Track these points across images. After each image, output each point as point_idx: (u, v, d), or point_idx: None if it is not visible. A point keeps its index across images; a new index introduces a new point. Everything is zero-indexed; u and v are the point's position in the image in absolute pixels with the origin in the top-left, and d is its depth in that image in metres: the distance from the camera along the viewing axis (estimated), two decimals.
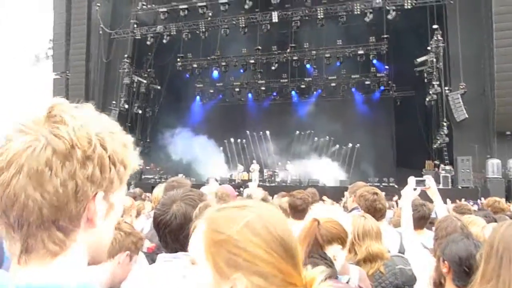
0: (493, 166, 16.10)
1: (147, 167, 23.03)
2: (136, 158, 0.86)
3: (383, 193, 3.78)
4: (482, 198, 11.36)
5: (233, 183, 19.77)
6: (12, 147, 0.74)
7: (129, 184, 17.04)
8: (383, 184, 18.63)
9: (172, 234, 1.77)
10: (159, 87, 26.05)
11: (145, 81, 24.87)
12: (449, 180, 17.25)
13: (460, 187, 16.47)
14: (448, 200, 10.71)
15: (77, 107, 0.81)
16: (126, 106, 23.43)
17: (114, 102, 22.97)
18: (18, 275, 0.75)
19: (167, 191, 3.53)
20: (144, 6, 22.83)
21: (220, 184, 7.15)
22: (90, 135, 0.76)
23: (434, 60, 18.81)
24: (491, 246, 1.81)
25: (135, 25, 22.98)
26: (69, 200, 0.74)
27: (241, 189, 11.00)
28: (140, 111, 24.89)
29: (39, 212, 0.73)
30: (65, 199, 0.74)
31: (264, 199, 3.91)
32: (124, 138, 0.84)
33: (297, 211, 4.13)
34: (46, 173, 0.72)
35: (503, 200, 6.19)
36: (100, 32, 22.85)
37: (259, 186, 17.49)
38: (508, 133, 16.69)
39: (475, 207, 8.32)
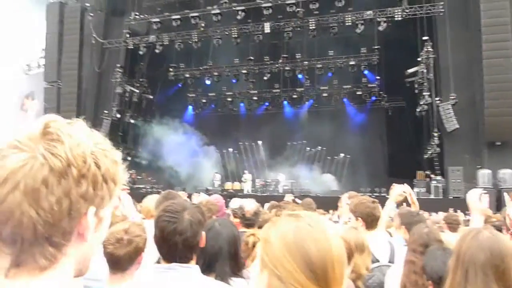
0: (484, 176, 16.23)
1: (139, 177, 22.90)
2: (124, 174, 0.87)
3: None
4: None
5: (225, 193, 19.71)
6: (8, 164, 0.74)
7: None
8: (374, 194, 18.63)
9: (186, 242, 1.77)
10: (151, 97, 26.01)
11: (137, 91, 24.83)
12: (440, 190, 17.37)
13: (451, 197, 16.56)
14: (439, 212, 10.77)
15: (70, 123, 0.82)
16: (119, 116, 23.35)
17: (106, 111, 22.89)
18: None
19: (163, 200, 3.53)
20: (137, 17, 22.90)
21: (210, 195, 7.16)
22: (85, 154, 0.78)
23: (425, 71, 19.01)
24: (457, 256, 1.75)
25: (128, 35, 23.00)
26: (63, 217, 0.75)
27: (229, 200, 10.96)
28: (132, 121, 24.82)
29: (34, 228, 0.73)
30: (59, 216, 0.75)
31: (256, 212, 3.91)
32: (115, 154, 0.85)
33: None
34: (42, 191, 0.73)
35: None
36: (93, 41, 22.85)
37: (251, 196, 17.47)
38: (498, 143, 16.85)
39: (467, 217, 8.36)
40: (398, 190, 4.26)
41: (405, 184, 4.33)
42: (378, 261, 3.13)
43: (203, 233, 1.86)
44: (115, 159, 0.84)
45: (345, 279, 1.06)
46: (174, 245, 1.77)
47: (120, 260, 2.27)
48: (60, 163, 0.75)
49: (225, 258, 2.24)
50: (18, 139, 0.77)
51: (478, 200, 2.94)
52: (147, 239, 2.41)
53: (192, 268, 1.78)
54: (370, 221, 3.45)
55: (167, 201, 3.32)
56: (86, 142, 0.80)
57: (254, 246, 2.64)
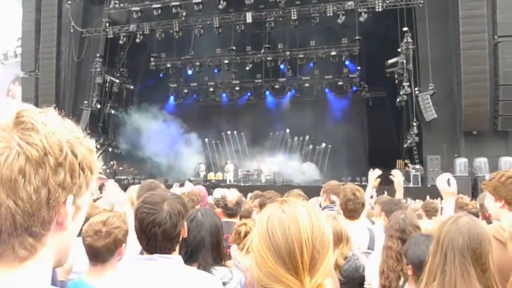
0: (461, 164, 16.63)
1: (120, 168, 22.72)
2: (100, 162, 0.87)
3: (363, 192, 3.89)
4: None
5: (208, 183, 19.74)
6: None
7: (101, 186, 16.78)
8: (355, 183, 18.81)
9: (166, 233, 1.76)
10: (132, 87, 25.72)
11: (117, 81, 24.49)
12: (419, 178, 17.72)
13: (429, 186, 16.90)
14: (414, 200, 11.02)
15: (42, 113, 0.80)
16: (99, 106, 23.02)
17: (86, 102, 22.55)
18: None
19: (145, 191, 3.55)
20: (116, 5, 22.47)
21: (195, 185, 7.16)
22: (61, 142, 0.77)
23: (404, 61, 19.24)
24: (437, 241, 1.83)
25: (108, 24, 22.60)
26: (42, 206, 0.75)
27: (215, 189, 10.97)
28: (112, 111, 24.51)
29: (12, 219, 0.73)
30: (38, 205, 0.74)
31: (238, 202, 3.95)
32: (89, 143, 0.85)
33: None
34: (19, 181, 0.72)
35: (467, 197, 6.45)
36: (71, 30, 22.38)
37: (234, 186, 17.52)
38: (474, 132, 17.25)
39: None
40: (374, 175, 4.41)
41: (397, 171, 4.48)
42: (358, 248, 3.22)
43: (185, 224, 1.86)
44: (90, 147, 0.84)
45: (323, 265, 1.07)
46: (154, 237, 1.75)
47: (99, 252, 2.26)
48: (36, 152, 0.74)
49: (208, 248, 2.26)
50: None
51: (446, 183, 3.09)
52: (128, 230, 2.41)
53: (174, 259, 1.79)
54: (349, 211, 3.53)
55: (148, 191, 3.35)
56: (61, 130, 0.79)
57: (246, 235, 2.68)
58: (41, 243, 0.78)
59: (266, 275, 1.08)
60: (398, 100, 20.23)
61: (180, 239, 1.86)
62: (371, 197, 5.17)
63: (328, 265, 1.09)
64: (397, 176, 4.54)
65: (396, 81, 20.29)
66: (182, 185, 9.21)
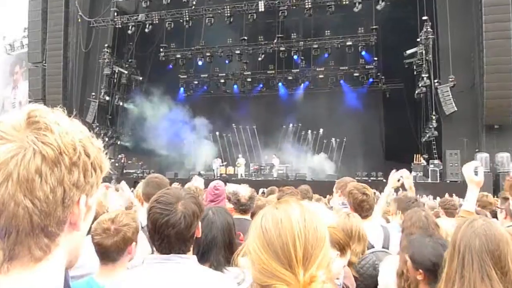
0: (482, 160, 16.42)
1: (129, 161, 22.92)
2: (107, 161, 0.89)
3: (373, 191, 3.87)
4: None
5: (219, 177, 19.83)
6: None
7: (110, 179, 16.98)
8: (371, 178, 18.86)
9: (180, 235, 1.77)
10: (140, 78, 25.87)
11: (126, 72, 24.67)
12: (438, 174, 17.60)
13: (448, 181, 16.78)
14: (431, 196, 10.94)
15: (52, 111, 0.82)
16: (107, 98, 23.24)
17: (93, 93, 22.75)
18: None
19: (149, 186, 3.58)
20: None
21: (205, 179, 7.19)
22: (74, 142, 0.79)
23: (424, 52, 19.04)
24: (453, 245, 1.81)
25: (116, 14, 22.71)
26: (58, 206, 0.77)
27: (227, 183, 11.05)
28: (121, 103, 24.72)
29: (29, 219, 0.75)
30: (54, 205, 0.76)
31: (251, 197, 3.97)
32: (98, 142, 0.87)
33: None
34: (36, 181, 0.74)
35: (490, 194, 6.37)
36: (79, 20, 22.54)
37: (245, 181, 17.59)
38: (496, 126, 17.03)
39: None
40: (396, 176, 4.37)
41: (404, 169, 4.45)
42: (373, 247, 3.24)
43: (199, 224, 1.87)
44: (99, 146, 0.86)
45: (318, 258, 1.10)
46: (167, 238, 1.76)
47: (108, 250, 2.27)
48: (52, 151, 0.76)
49: (220, 247, 2.27)
50: (1, 129, 0.77)
51: (473, 172, 3.03)
52: (138, 228, 2.43)
53: (190, 259, 1.81)
54: (360, 211, 3.53)
55: (160, 189, 3.38)
56: (73, 130, 0.81)
57: None
58: (55, 243, 0.80)
59: (261, 272, 1.12)
60: (416, 92, 20.04)
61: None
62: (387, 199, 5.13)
63: (325, 259, 1.12)
64: (405, 176, 4.48)
65: (415, 73, 20.10)
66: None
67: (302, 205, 1.21)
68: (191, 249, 1.86)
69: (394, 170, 4.47)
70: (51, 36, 22.80)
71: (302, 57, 24.55)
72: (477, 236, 1.78)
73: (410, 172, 18.23)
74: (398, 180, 4.37)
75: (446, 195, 10.17)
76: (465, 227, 1.83)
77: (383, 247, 3.32)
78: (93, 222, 2.26)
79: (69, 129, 0.80)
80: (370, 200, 3.61)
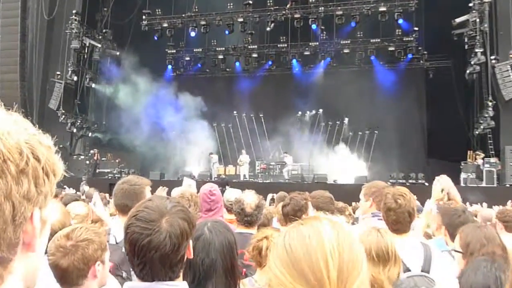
0: None
1: (103, 159, 23.00)
2: (60, 162, 0.88)
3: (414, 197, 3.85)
4: None
5: (217, 179, 19.91)
6: None
7: (80, 180, 17.07)
8: (410, 181, 18.85)
9: (165, 259, 1.74)
10: (117, 53, 25.88)
11: (99, 45, 24.72)
12: (494, 176, 17.52)
13: (508, 185, 16.73)
14: (485, 204, 10.86)
15: None
16: (75, 78, 23.28)
17: (58, 72, 22.79)
18: None
19: (117, 196, 3.54)
20: None
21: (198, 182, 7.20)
22: (19, 144, 0.78)
23: (477, 20, 18.92)
24: None
25: None
26: (7, 225, 0.76)
27: (227, 187, 11.04)
28: (93, 85, 24.80)
29: None
30: (3, 225, 0.76)
31: (258, 206, 3.99)
32: (46, 139, 0.86)
33: (286, 217, 4.25)
34: None
35: None
36: None
37: (249, 183, 17.62)
38: None
39: None
40: (439, 187, 4.34)
41: (443, 176, 4.42)
42: (409, 270, 3.25)
43: (190, 243, 1.86)
44: (48, 144, 0.85)
45: (355, 282, 1.09)
46: (150, 263, 1.74)
47: (66, 273, 2.27)
48: None
49: (220, 273, 2.28)
50: None
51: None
52: (105, 244, 2.43)
53: (179, 287, 1.81)
54: (394, 225, 3.53)
55: (131, 198, 3.33)
56: (15, 128, 0.80)
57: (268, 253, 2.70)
58: (7, 270, 0.79)
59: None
60: (468, 71, 19.93)
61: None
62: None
63: (363, 286, 1.10)
64: (445, 183, 4.45)
65: (466, 47, 19.97)
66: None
67: (334, 221, 1.22)
68: (181, 274, 1.85)
69: (438, 178, 4.45)
70: (5, 1, 22.83)
71: (323, 27, 24.46)
72: None
73: (459, 173, 18.15)
74: (442, 191, 4.36)
75: (509, 204, 10.09)
76: None
77: (422, 271, 3.34)
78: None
79: (10, 128, 0.79)
80: (398, 211, 3.60)
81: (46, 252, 2.22)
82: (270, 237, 2.84)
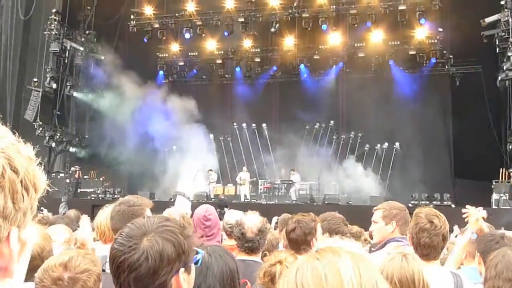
0: None
1: (86, 177, 22.97)
2: (43, 175, 0.88)
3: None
4: None
5: (215, 200, 19.86)
6: None
7: (59, 201, 17.06)
8: (434, 202, 18.76)
9: (139, 283, 1.67)
10: (102, 57, 25.93)
11: (82, 48, 24.80)
12: None
13: None
14: None
15: None
16: (54, 86, 23.34)
17: (35, 79, 22.87)
18: None
19: (114, 218, 3.54)
20: None
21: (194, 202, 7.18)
22: None
23: (510, 20, 18.98)
24: None
25: None
26: None
27: (225, 209, 11.01)
28: (74, 93, 24.85)
29: None
30: None
31: (261, 230, 3.96)
32: (26, 149, 0.86)
33: (295, 243, 4.23)
34: None
35: None
36: None
37: (251, 205, 17.57)
38: None
39: None
40: (473, 218, 4.29)
41: (471, 207, 4.39)
42: None
43: (180, 274, 1.74)
44: (28, 154, 0.85)
45: None
46: (125, 285, 1.69)
47: None
48: None
49: None
50: None
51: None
52: (101, 274, 2.41)
53: None
54: (426, 249, 3.50)
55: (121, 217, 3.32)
56: None
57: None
58: None
59: None
60: (499, 78, 19.96)
61: None
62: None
63: None
64: (473, 214, 4.43)
65: (497, 50, 20.00)
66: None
67: (354, 253, 1.19)
68: None
69: (468, 207, 4.40)
70: None
71: (334, 27, 24.53)
72: None
73: (491, 194, 18.13)
74: (477, 220, 4.33)
75: None
76: None
77: None
78: (38, 265, 2.27)
79: None
80: (433, 233, 3.56)
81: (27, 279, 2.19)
82: (284, 261, 2.81)
